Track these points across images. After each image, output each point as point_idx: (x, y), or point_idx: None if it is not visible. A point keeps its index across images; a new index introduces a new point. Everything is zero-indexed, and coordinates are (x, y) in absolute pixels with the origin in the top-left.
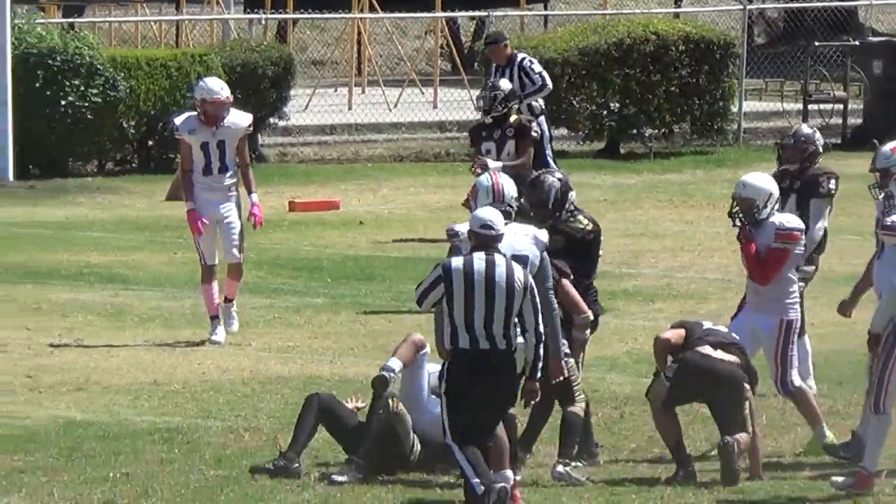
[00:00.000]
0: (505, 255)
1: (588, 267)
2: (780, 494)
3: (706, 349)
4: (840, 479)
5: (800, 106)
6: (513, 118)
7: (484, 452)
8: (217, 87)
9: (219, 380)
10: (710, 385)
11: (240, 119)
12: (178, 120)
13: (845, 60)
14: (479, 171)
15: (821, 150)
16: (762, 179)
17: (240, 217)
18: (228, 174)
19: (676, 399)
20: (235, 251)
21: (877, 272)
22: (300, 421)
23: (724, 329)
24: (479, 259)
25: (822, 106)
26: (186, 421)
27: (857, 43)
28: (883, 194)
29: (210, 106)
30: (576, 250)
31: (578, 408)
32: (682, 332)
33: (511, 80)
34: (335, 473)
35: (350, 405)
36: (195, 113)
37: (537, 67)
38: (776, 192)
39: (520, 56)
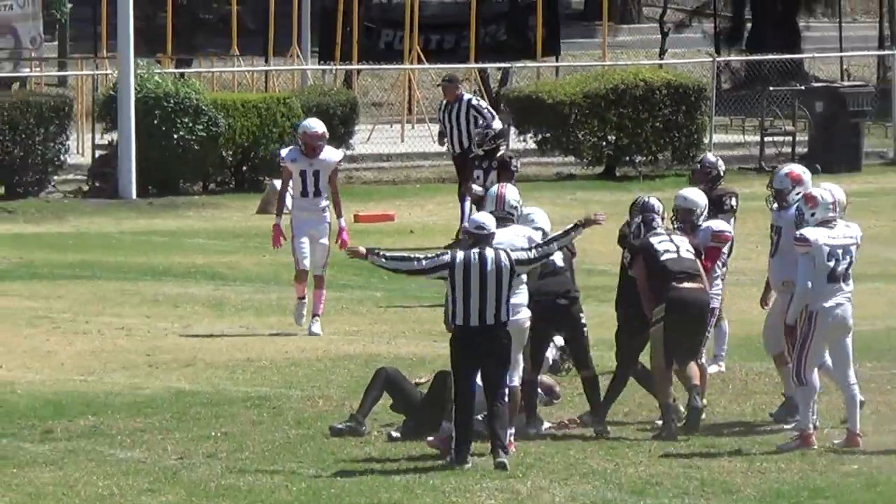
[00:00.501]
0: (495, 249)
1: None
2: (744, 447)
3: (683, 284)
4: (787, 441)
5: (758, 138)
6: (499, 153)
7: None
8: (315, 124)
9: (298, 357)
10: (694, 315)
11: (333, 154)
12: (283, 151)
13: (794, 102)
14: (468, 195)
15: (722, 173)
16: (697, 193)
17: (328, 238)
18: (322, 198)
19: (674, 341)
20: (323, 268)
21: (770, 269)
22: (369, 389)
23: (685, 256)
24: (474, 254)
25: (775, 138)
26: (273, 390)
27: (803, 88)
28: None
29: (309, 139)
30: None
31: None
32: (641, 262)
33: (460, 116)
34: (393, 430)
35: (414, 381)
36: (297, 146)
37: (485, 104)
38: (706, 203)
39: (467, 96)
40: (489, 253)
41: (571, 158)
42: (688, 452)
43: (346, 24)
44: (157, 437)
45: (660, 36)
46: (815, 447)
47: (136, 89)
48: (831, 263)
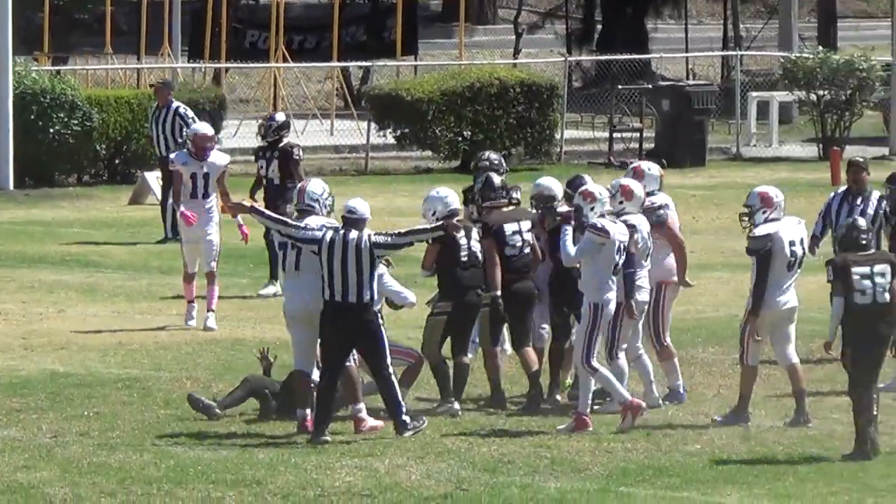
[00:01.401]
0: (359, 232)
1: None
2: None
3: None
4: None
5: (607, 134)
6: (282, 144)
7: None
8: (205, 128)
9: (167, 341)
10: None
11: (220, 158)
12: (172, 156)
13: (642, 100)
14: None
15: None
16: (555, 182)
17: (218, 235)
18: (209, 199)
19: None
20: (213, 263)
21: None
22: (235, 390)
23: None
24: (340, 235)
25: (623, 134)
26: (143, 373)
27: (650, 86)
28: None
29: (199, 141)
30: None
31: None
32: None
33: (166, 121)
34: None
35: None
36: (186, 150)
37: (190, 113)
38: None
39: (175, 104)
40: (352, 235)
41: (429, 153)
42: (538, 432)
43: (215, 25)
44: (32, 416)
45: (514, 37)
46: (590, 428)
47: (14, 86)
48: (618, 257)
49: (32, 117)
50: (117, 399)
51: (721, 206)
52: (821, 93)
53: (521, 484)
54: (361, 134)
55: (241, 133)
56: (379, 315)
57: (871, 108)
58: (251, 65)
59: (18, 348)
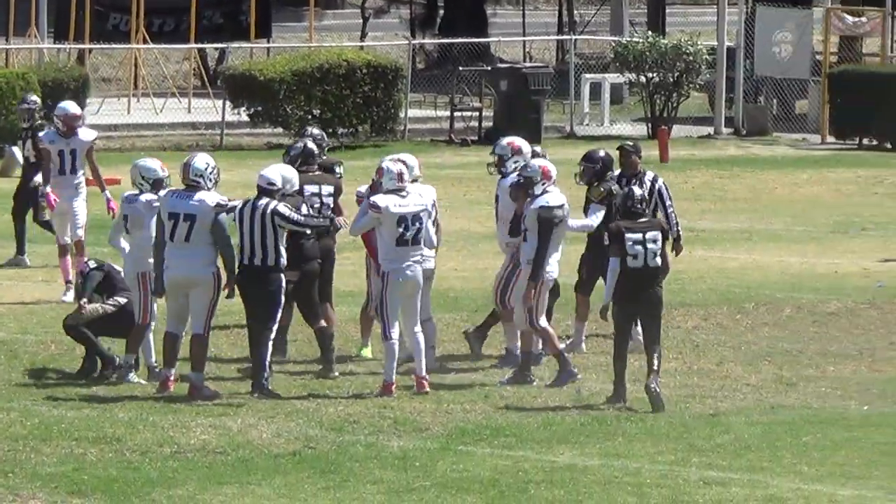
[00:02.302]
0: (267, 202)
1: None
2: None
3: None
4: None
5: (448, 113)
6: (36, 124)
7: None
8: (72, 107)
9: (33, 307)
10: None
11: (87, 134)
12: (41, 133)
13: (481, 81)
14: None
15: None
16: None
17: (85, 206)
18: (77, 175)
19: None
20: (80, 231)
21: (497, 231)
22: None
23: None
24: (250, 203)
25: (464, 113)
26: (9, 336)
27: (489, 68)
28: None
29: (68, 119)
30: None
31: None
32: None
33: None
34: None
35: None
36: (54, 128)
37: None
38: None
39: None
40: (261, 203)
41: (280, 130)
42: (381, 394)
43: (80, 8)
44: None
45: (361, 21)
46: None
47: None
48: (401, 229)
49: None
50: None
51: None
52: (650, 75)
53: (366, 443)
54: (217, 112)
55: (104, 111)
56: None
57: (698, 90)
58: (113, 46)
59: None
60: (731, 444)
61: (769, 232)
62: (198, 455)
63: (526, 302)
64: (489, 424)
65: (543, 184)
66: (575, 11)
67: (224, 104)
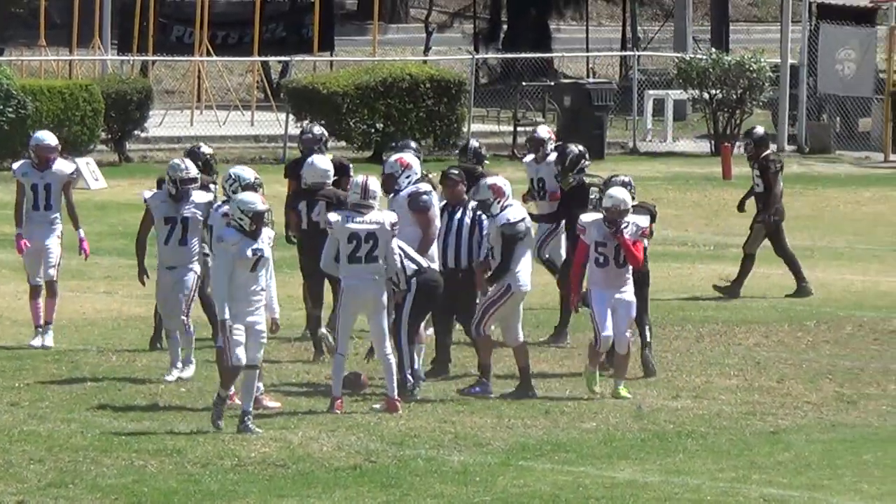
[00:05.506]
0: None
1: None
2: (494, 406)
3: None
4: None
5: (511, 128)
6: None
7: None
8: (47, 137)
9: (94, 318)
10: None
11: (65, 167)
12: (14, 165)
13: (544, 96)
14: None
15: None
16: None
17: (59, 245)
18: (53, 212)
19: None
20: (52, 271)
21: None
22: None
23: None
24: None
25: (527, 128)
26: (71, 347)
27: (552, 84)
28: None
29: (42, 151)
30: None
31: None
32: None
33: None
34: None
35: None
36: (28, 159)
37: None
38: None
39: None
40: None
41: (343, 143)
42: (443, 409)
43: (143, 20)
44: None
45: (425, 35)
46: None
47: None
48: (351, 246)
49: None
50: (47, 372)
51: None
52: (713, 92)
53: (427, 457)
54: (280, 125)
55: (167, 122)
56: None
57: (761, 107)
58: (177, 58)
59: None
60: (791, 461)
61: (831, 249)
62: (258, 468)
63: (486, 306)
64: (549, 440)
65: (498, 201)
66: (639, 28)
67: (287, 117)
